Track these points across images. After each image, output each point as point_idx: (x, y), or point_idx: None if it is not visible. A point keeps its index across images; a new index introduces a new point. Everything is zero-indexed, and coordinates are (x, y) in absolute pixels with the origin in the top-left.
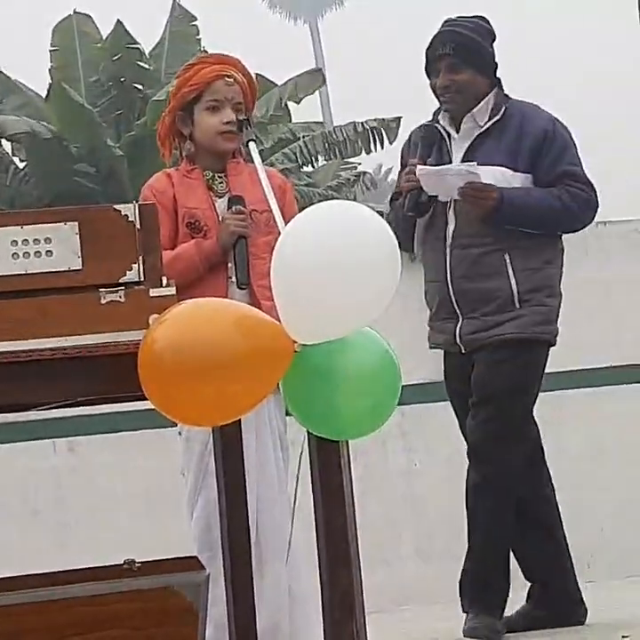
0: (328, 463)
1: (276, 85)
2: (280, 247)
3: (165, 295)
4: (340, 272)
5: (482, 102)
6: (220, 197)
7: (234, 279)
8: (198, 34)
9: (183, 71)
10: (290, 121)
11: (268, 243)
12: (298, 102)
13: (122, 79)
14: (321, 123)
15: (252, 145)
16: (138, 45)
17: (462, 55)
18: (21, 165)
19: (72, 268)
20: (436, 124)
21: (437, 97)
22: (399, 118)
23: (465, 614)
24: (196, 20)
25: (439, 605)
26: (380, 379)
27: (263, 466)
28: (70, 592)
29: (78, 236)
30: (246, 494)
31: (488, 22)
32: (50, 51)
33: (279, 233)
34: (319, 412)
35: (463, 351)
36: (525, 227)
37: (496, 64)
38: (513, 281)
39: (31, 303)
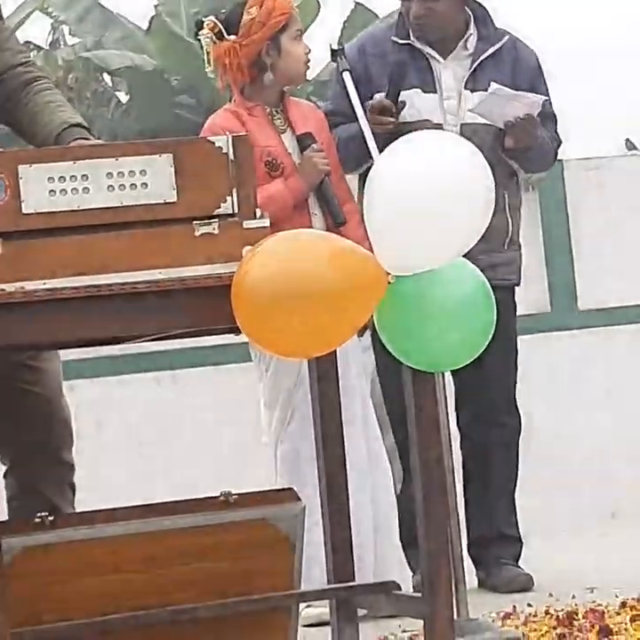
0: (423, 395)
1: (376, 15)
2: (373, 178)
3: (259, 227)
4: (434, 203)
5: (469, 29)
6: (282, 133)
7: (316, 213)
8: None
9: (259, 0)
10: None
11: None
12: None
13: (222, 11)
14: None
15: (346, 75)
16: None
17: None
18: (123, 99)
19: (167, 201)
20: (412, 43)
21: (408, 21)
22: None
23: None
24: None
25: (543, 539)
26: (473, 310)
27: (347, 403)
28: (167, 524)
29: (173, 169)
30: (342, 425)
31: None
32: None
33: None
34: (412, 344)
35: None
36: (525, 164)
37: None
38: (509, 220)
39: (126, 235)
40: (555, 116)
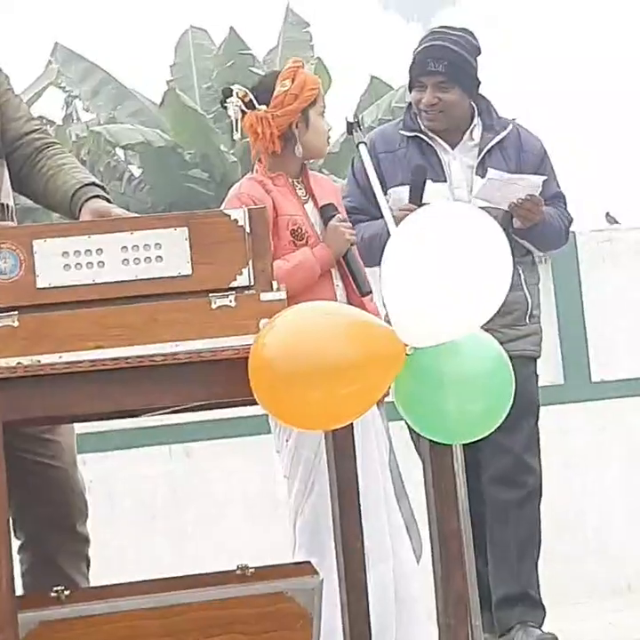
0: (441, 466)
1: (391, 88)
2: (390, 250)
3: (276, 299)
4: (452, 275)
5: (474, 120)
6: (305, 203)
7: (338, 284)
8: (311, 40)
9: (290, 73)
10: None
11: None
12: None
13: (234, 84)
14: None
15: (362, 147)
16: (250, 51)
17: (452, 74)
18: (136, 173)
19: (182, 274)
20: (421, 135)
21: (418, 111)
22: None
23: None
24: (308, 26)
25: (554, 608)
26: (491, 381)
27: (367, 472)
28: (184, 598)
29: (188, 242)
30: (359, 498)
31: (475, 37)
32: (170, 66)
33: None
34: (431, 416)
35: None
36: (537, 243)
37: (479, 82)
38: (528, 295)
39: (142, 309)
40: (563, 195)
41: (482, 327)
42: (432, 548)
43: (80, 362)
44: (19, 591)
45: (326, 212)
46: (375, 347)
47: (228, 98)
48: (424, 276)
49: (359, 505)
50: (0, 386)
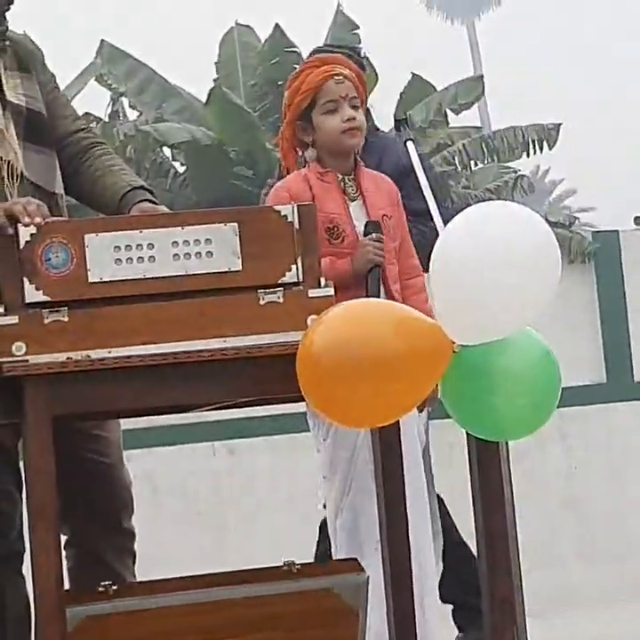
0: (487, 465)
1: (435, 89)
2: (439, 248)
3: (324, 296)
4: (500, 272)
5: None
6: (353, 201)
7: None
8: (360, 42)
9: (291, 81)
10: (448, 125)
11: (396, 248)
12: (457, 113)
13: (279, 82)
14: (478, 128)
15: (410, 144)
16: (295, 49)
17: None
18: (181, 170)
19: (232, 269)
20: None
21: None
22: (559, 125)
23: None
24: (358, 28)
25: (602, 607)
26: (539, 379)
27: (409, 470)
28: (230, 593)
29: (238, 237)
30: (405, 498)
31: (359, 53)
32: (215, 63)
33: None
34: (478, 413)
35: None
36: None
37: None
38: None
39: (191, 304)
40: (423, 213)
41: None
42: (478, 548)
43: (129, 357)
44: (65, 586)
45: (367, 228)
46: (422, 343)
47: None
48: (472, 273)
49: (405, 504)
50: (50, 381)
